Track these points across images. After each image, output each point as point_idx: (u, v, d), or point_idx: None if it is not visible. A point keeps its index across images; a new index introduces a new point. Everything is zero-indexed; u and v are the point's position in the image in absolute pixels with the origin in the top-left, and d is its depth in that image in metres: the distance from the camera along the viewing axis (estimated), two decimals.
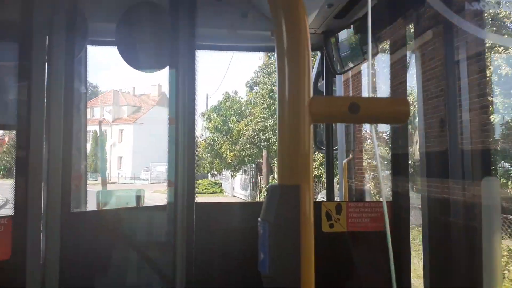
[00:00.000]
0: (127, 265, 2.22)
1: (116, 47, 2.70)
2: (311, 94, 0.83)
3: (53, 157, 1.87)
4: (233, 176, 25.33)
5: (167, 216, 2.23)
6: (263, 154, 22.00)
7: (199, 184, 25.80)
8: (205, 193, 25.26)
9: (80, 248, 2.03)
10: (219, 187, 27.92)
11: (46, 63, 1.91)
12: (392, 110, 0.83)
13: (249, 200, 21.81)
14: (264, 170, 22.25)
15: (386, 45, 2.76)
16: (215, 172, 25.73)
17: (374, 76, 3.68)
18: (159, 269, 2.32)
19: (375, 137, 0.88)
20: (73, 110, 1.99)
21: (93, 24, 2.73)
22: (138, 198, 2.38)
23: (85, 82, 2.96)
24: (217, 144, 23.77)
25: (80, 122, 2.65)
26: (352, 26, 3.05)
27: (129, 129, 42.17)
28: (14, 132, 1.92)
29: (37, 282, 1.82)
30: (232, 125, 23.62)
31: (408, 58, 2.51)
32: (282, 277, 0.79)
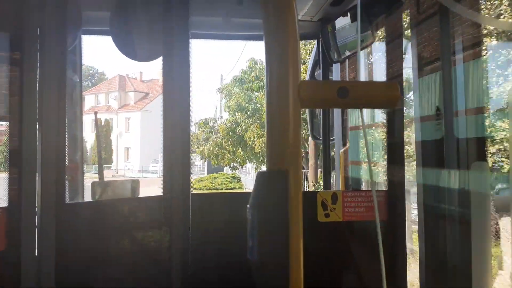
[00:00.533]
0: (123, 256, 2.21)
1: (110, 36, 2.68)
2: (300, 79, 0.82)
3: (47, 148, 1.86)
4: (257, 169, 18.55)
5: (163, 207, 2.23)
6: (309, 141, 14.28)
7: (214, 178, 22.20)
8: (221, 188, 20.59)
9: (75, 239, 2.02)
10: (237, 181, 22.62)
11: (38, 53, 1.89)
12: (382, 94, 0.82)
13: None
14: (311, 161, 15.09)
15: (382, 32, 2.73)
16: (236, 165, 19.90)
17: (370, 64, 3.66)
18: (154, 260, 2.32)
19: (364, 122, 0.87)
20: (66, 100, 1.97)
21: (86, 13, 2.70)
22: (134, 189, 2.37)
23: (80, 71, 2.93)
24: (240, 127, 18.11)
25: (75, 112, 2.63)
26: (349, 13, 3.01)
27: (136, 117, 39.23)
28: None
29: (32, 273, 1.82)
30: (260, 102, 17.80)
31: (404, 45, 2.49)
32: (270, 264, 0.78)
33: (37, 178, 1.87)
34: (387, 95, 0.82)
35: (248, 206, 0.82)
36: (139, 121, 39.43)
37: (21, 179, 1.82)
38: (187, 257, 2.17)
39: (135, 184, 2.37)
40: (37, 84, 1.88)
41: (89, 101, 40.25)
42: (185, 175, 2.22)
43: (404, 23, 2.57)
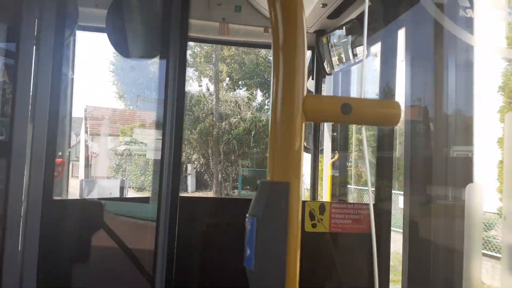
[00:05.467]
0: (107, 255, 2.19)
1: (105, 33, 2.66)
2: (305, 93, 0.83)
3: (37, 142, 1.83)
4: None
5: (150, 208, 2.22)
6: None
7: None
8: None
9: (59, 236, 1.99)
10: None
11: (35, 46, 1.87)
12: (383, 112, 0.84)
13: None
14: None
15: (377, 47, 2.78)
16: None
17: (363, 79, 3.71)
18: (138, 262, 2.30)
19: (365, 139, 0.89)
20: (60, 95, 1.95)
21: (83, 9, 2.69)
22: (122, 189, 2.35)
23: (73, 67, 2.91)
24: None
25: (66, 107, 2.60)
26: (344, 27, 3.06)
27: None
28: None
29: (14, 269, 1.79)
30: None
31: (398, 61, 2.54)
32: (267, 273, 0.79)
33: (25, 173, 1.85)
34: (389, 114, 0.84)
35: (247, 215, 0.83)
36: None
37: (9, 173, 1.79)
38: (171, 259, 2.16)
39: (123, 183, 2.36)
40: (32, 77, 1.86)
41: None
42: (175, 176, 2.21)
43: (399, 38, 2.62)
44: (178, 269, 2.16)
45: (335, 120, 0.83)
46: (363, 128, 0.86)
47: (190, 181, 19.88)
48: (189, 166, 19.94)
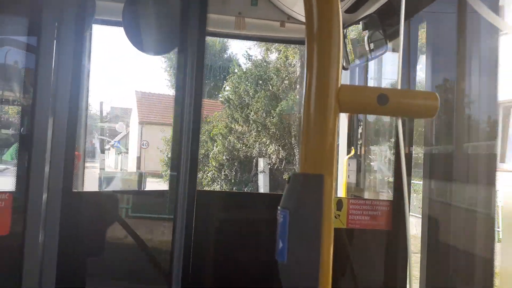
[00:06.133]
0: (125, 246, 2.20)
1: (122, 27, 2.66)
2: (340, 83, 0.81)
3: (58, 135, 1.84)
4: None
5: (168, 201, 2.22)
6: None
7: None
8: None
9: (79, 227, 2.00)
10: None
11: (55, 40, 1.87)
12: (421, 103, 0.82)
13: None
14: None
15: (396, 42, 2.74)
16: None
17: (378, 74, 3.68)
18: (156, 254, 2.31)
19: (401, 132, 0.87)
20: (79, 88, 1.95)
21: (100, 3, 2.69)
22: (140, 182, 2.35)
23: (89, 60, 2.91)
24: None
25: (83, 100, 2.61)
26: (361, 22, 3.02)
27: None
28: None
29: (34, 259, 1.80)
30: None
31: (418, 56, 2.50)
32: (300, 267, 0.78)
33: (45, 165, 1.86)
34: (426, 105, 0.81)
35: (279, 207, 0.81)
36: None
37: (30, 165, 1.80)
38: (188, 252, 2.16)
39: (142, 176, 2.36)
40: (52, 69, 1.86)
41: None
42: (192, 170, 2.20)
43: (418, 33, 2.57)
44: (194, 264, 2.16)
45: (370, 111, 0.82)
46: (399, 120, 0.84)
47: (263, 180, 14.48)
48: (261, 161, 14.61)
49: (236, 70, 15.85)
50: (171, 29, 2.62)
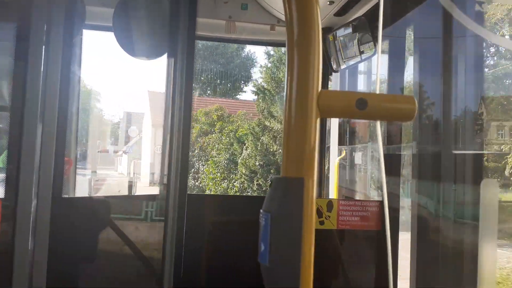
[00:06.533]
0: (116, 252, 2.20)
1: (113, 32, 2.67)
2: (319, 88, 0.83)
3: (47, 141, 1.84)
4: None
5: (159, 206, 2.22)
6: None
7: None
8: None
9: (69, 234, 2.00)
10: None
11: (44, 46, 1.88)
12: (399, 107, 0.83)
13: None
14: None
15: (385, 46, 2.77)
16: None
17: (368, 76, 3.71)
18: (147, 260, 2.31)
19: (380, 135, 0.89)
20: (69, 94, 1.95)
21: (90, 8, 2.70)
22: (130, 187, 2.35)
23: (80, 65, 2.92)
24: None
25: (73, 106, 2.61)
26: (351, 24, 3.05)
27: None
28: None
29: (24, 266, 1.80)
30: None
31: (406, 58, 2.53)
32: (282, 270, 0.79)
33: (34, 171, 1.86)
34: (405, 108, 0.83)
35: (261, 210, 0.83)
36: None
37: (19, 171, 1.80)
38: (180, 256, 2.17)
39: (132, 181, 2.36)
40: (41, 76, 1.87)
41: None
42: (183, 173, 2.21)
43: (407, 36, 2.61)
44: (186, 267, 2.16)
45: (350, 115, 0.83)
46: (378, 124, 0.86)
47: None
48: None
49: (272, 53, 13.69)
50: (161, 33, 2.63)
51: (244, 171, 12.65)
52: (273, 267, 0.79)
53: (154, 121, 20.90)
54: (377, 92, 0.89)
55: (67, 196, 2.42)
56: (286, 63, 0.84)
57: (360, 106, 0.81)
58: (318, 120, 0.83)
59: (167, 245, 2.14)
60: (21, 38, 1.87)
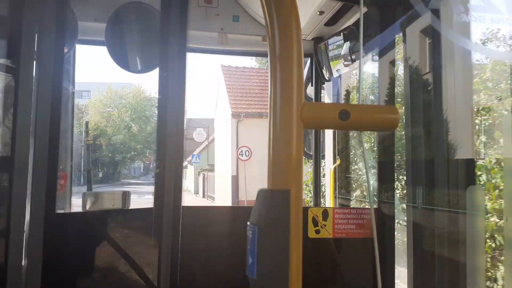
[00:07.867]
0: (111, 267, 2.19)
1: (105, 47, 2.69)
2: (303, 100, 0.84)
3: (39, 156, 1.84)
4: None
5: (154, 219, 2.21)
6: None
7: None
8: None
9: (63, 249, 1.99)
10: None
11: (35, 61, 1.89)
12: (381, 117, 0.84)
13: None
14: None
15: (375, 53, 2.79)
16: None
17: (361, 84, 3.73)
18: (143, 274, 2.29)
19: (364, 143, 0.89)
20: (61, 109, 1.96)
21: (83, 23, 2.72)
22: (124, 200, 2.35)
23: (73, 81, 2.93)
24: None
25: (67, 121, 2.62)
26: (341, 33, 3.08)
27: None
28: None
29: (18, 283, 1.78)
30: None
31: (396, 66, 2.55)
32: (270, 282, 0.79)
33: (27, 187, 1.85)
34: (387, 118, 0.84)
35: (248, 223, 0.83)
36: None
37: (11, 186, 1.80)
38: (176, 269, 2.16)
39: (126, 195, 2.36)
40: (33, 92, 1.87)
41: None
42: (177, 186, 2.21)
43: (396, 44, 2.63)
44: (182, 278, 2.15)
45: (333, 126, 0.84)
46: (362, 133, 0.87)
47: None
48: None
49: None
50: (153, 47, 2.65)
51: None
52: (261, 280, 0.79)
53: (234, 111, 17.42)
54: (360, 103, 0.90)
55: (62, 211, 2.41)
56: (269, 76, 0.85)
57: (343, 117, 0.82)
58: (302, 132, 0.83)
59: (162, 258, 2.13)
60: (12, 54, 1.88)
